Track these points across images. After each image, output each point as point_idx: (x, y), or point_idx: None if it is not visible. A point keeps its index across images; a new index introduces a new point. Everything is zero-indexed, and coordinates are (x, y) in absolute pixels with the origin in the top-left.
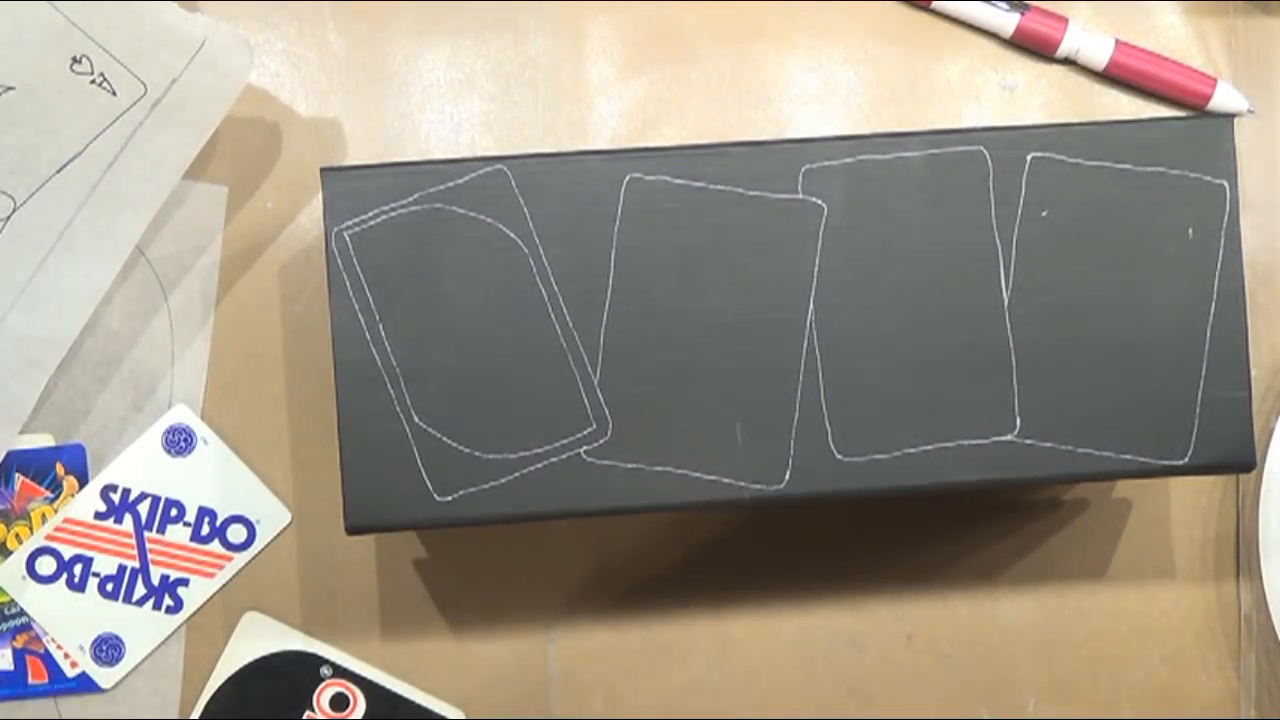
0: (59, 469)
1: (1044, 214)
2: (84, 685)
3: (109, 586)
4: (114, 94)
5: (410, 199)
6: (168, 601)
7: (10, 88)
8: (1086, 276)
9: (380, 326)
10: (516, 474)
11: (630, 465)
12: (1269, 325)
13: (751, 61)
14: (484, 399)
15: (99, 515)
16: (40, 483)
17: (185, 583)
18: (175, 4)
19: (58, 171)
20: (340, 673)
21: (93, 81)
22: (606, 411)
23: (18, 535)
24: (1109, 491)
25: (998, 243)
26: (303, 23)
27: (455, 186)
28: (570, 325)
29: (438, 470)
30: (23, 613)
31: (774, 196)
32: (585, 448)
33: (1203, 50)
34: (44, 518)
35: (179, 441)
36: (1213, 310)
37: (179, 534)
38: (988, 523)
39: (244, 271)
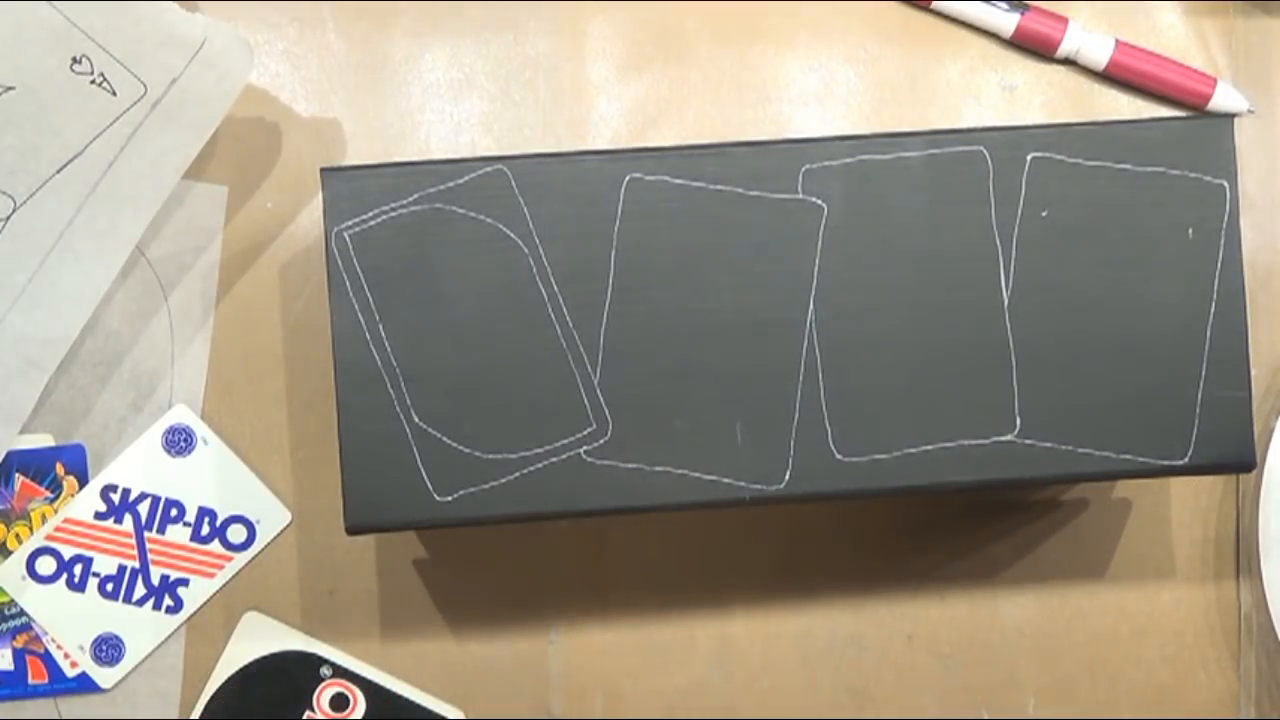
0: (59, 469)
1: (1044, 214)
2: (84, 685)
3: (109, 586)
4: (114, 94)
5: (410, 199)
6: (168, 601)
7: (10, 88)
8: (1086, 276)
9: (380, 326)
10: (516, 474)
11: (630, 465)
12: (1269, 325)
13: (751, 61)
14: (484, 399)
15: (99, 515)
16: (40, 483)
17: (185, 583)
18: (175, 4)
19: (58, 171)
20: (340, 673)
21: (93, 81)
22: (606, 411)
23: (18, 535)
24: (1109, 491)
25: (998, 243)
26: (303, 23)
27: (455, 186)
28: (570, 325)
29: (438, 470)
30: (23, 613)
31: (774, 196)
32: (585, 448)
33: (1203, 50)
34: (44, 518)
35: (179, 441)
36: (1213, 310)
37: (179, 534)
38: (988, 523)
39: (244, 271)
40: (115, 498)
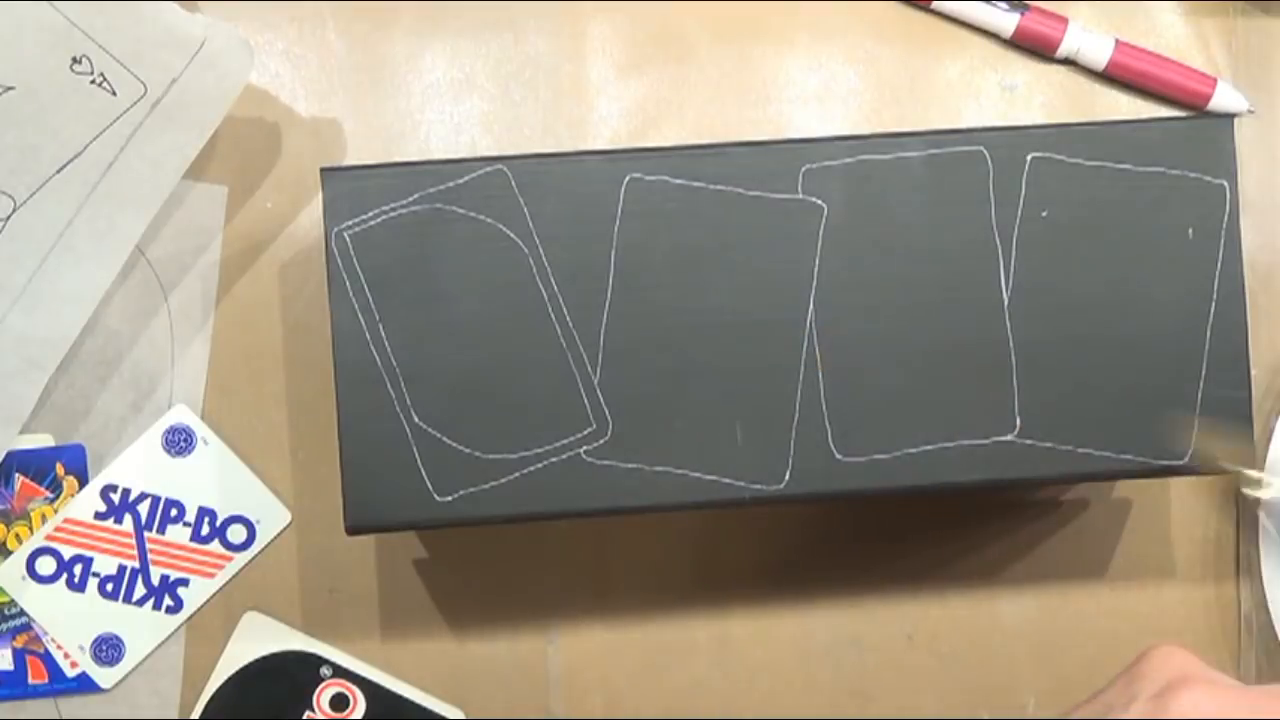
0: (59, 469)
1: (1044, 214)
2: (84, 685)
3: (109, 586)
4: (114, 94)
5: (410, 199)
6: (168, 601)
7: (10, 88)
8: (1086, 276)
9: (380, 326)
10: (516, 474)
11: (630, 465)
12: (1269, 325)
13: (751, 61)
14: (484, 399)
15: (99, 515)
16: (40, 483)
17: (185, 583)
18: (175, 4)
19: (58, 171)
20: (340, 673)
21: (93, 81)
22: (606, 411)
23: (18, 535)
24: (1109, 491)
25: (998, 243)
26: (303, 23)
27: (455, 186)
28: (570, 325)
29: (438, 470)
30: (23, 613)
31: (774, 196)
32: (585, 448)
33: (1203, 50)
34: (44, 518)
35: (179, 441)
36: (1213, 310)
37: (179, 534)
38: (988, 523)
39: (244, 271)
40: (115, 498)
